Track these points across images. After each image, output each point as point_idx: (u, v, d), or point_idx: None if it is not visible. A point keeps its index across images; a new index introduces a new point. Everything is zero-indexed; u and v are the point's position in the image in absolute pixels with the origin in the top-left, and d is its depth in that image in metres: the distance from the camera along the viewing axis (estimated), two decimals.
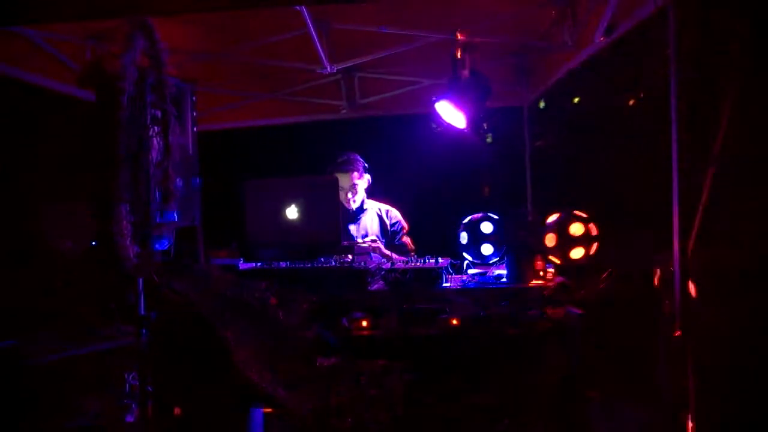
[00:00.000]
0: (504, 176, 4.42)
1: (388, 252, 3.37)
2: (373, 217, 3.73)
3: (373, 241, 3.42)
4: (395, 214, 3.76)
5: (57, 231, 3.84)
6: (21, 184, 4.38)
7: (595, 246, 2.67)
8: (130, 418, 2.58)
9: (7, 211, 4.42)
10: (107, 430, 2.59)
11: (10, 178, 4.53)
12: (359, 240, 3.50)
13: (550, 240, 2.66)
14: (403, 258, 3.22)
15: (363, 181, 3.67)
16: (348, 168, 3.60)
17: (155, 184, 1.92)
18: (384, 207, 3.78)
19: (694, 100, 2.24)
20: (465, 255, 2.98)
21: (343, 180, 3.58)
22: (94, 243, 2.98)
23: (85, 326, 2.92)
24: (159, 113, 1.90)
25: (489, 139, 4.49)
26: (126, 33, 2.03)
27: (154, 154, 2.01)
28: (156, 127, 1.90)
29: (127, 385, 2.59)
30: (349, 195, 3.63)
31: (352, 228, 3.68)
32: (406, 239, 3.70)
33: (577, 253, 2.65)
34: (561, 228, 2.66)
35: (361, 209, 3.71)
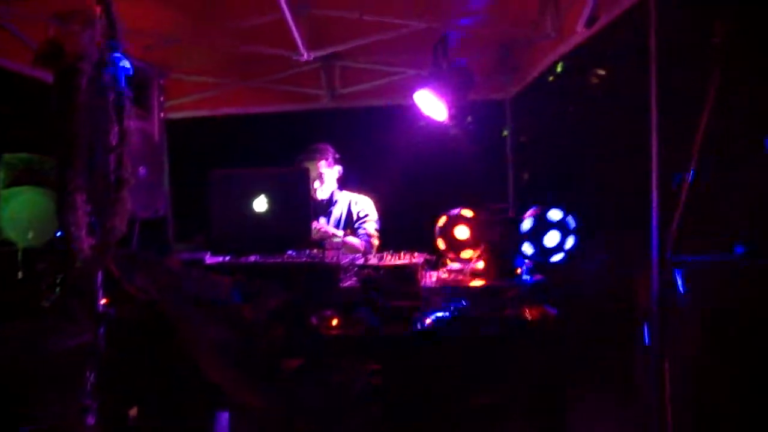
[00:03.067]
0: (484, 171, 4.34)
1: (355, 244, 3.32)
2: (344, 208, 3.65)
3: (344, 234, 3.35)
4: (364, 203, 3.66)
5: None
6: None
7: (571, 239, 2.61)
8: (91, 420, 2.47)
9: None
10: None
11: None
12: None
13: (526, 224, 2.60)
14: (360, 247, 3.16)
15: (332, 171, 3.60)
16: (316, 156, 3.53)
17: (110, 172, 1.79)
18: (356, 197, 3.68)
19: (674, 93, 2.18)
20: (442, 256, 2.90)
21: (310, 169, 3.49)
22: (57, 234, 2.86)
23: (47, 322, 2.79)
24: (112, 96, 1.77)
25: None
26: (85, 9, 1.90)
27: (113, 141, 1.88)
28: (111, 111, 1.77)
29: (88, 384, 2.47)
30: (316, 184, 3.55)
31: (322, 220, 3.60)
32: (369, 227, 3.57)
33: (552, 239, 2.59)
34: (539, 213, 2.61)
35: (331, 201, 3.63)
